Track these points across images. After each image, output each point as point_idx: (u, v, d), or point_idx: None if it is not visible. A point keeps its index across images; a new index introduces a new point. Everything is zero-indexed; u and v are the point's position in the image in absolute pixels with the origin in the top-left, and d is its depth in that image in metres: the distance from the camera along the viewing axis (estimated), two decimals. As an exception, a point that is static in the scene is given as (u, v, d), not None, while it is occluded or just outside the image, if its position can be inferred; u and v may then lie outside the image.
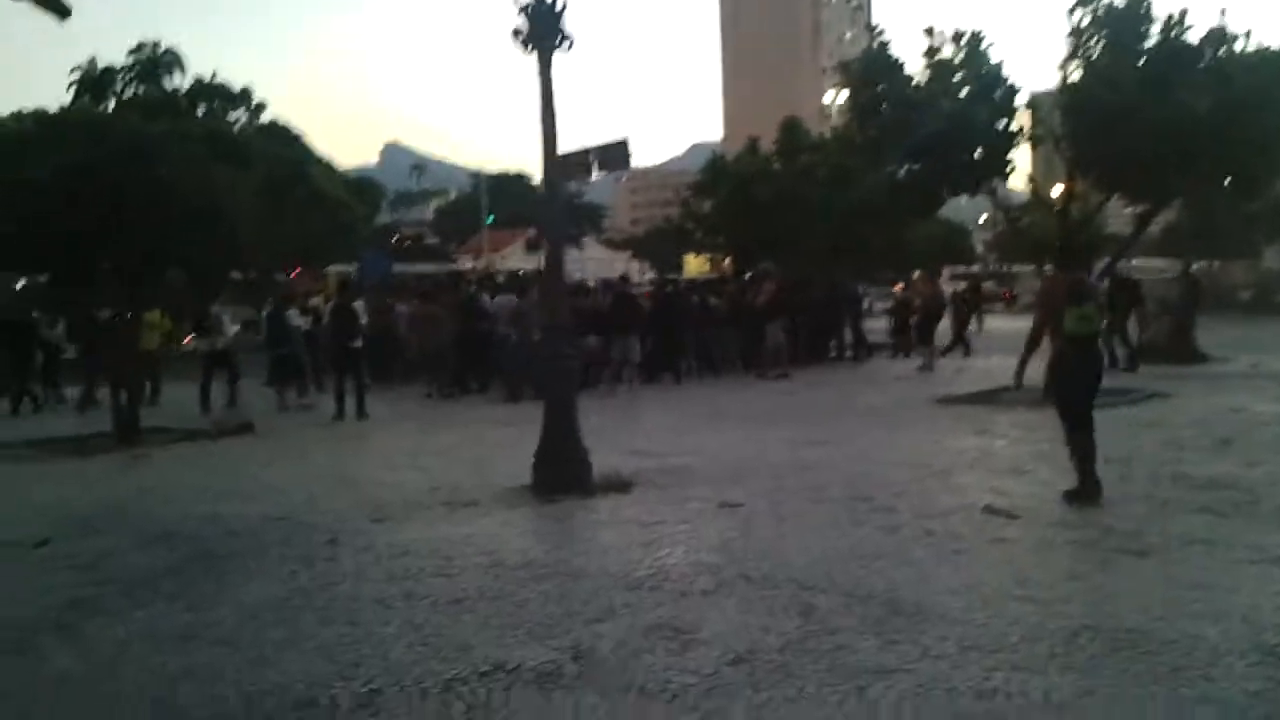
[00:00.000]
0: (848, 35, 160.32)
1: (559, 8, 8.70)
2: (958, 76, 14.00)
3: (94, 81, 35.93)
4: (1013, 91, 14.01)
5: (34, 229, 11.76)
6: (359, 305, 16.70)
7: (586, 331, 19.09)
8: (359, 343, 16.05)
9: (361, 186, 59.83)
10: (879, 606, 5.56)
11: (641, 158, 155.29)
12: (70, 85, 36.27)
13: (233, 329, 18.33)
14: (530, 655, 4.90)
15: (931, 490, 8.75)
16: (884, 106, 14.54)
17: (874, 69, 14.47)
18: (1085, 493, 8.03)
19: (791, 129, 24.08)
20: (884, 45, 14.57)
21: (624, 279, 22.57)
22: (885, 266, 31.08)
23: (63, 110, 12.25)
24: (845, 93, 15.24)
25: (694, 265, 63.53)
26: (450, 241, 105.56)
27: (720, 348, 20.51)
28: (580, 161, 30.76)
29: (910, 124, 14.05)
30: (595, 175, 32.60)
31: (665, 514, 8.02)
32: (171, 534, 7.98)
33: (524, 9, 8.65)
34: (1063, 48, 14.38)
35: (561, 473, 8.90)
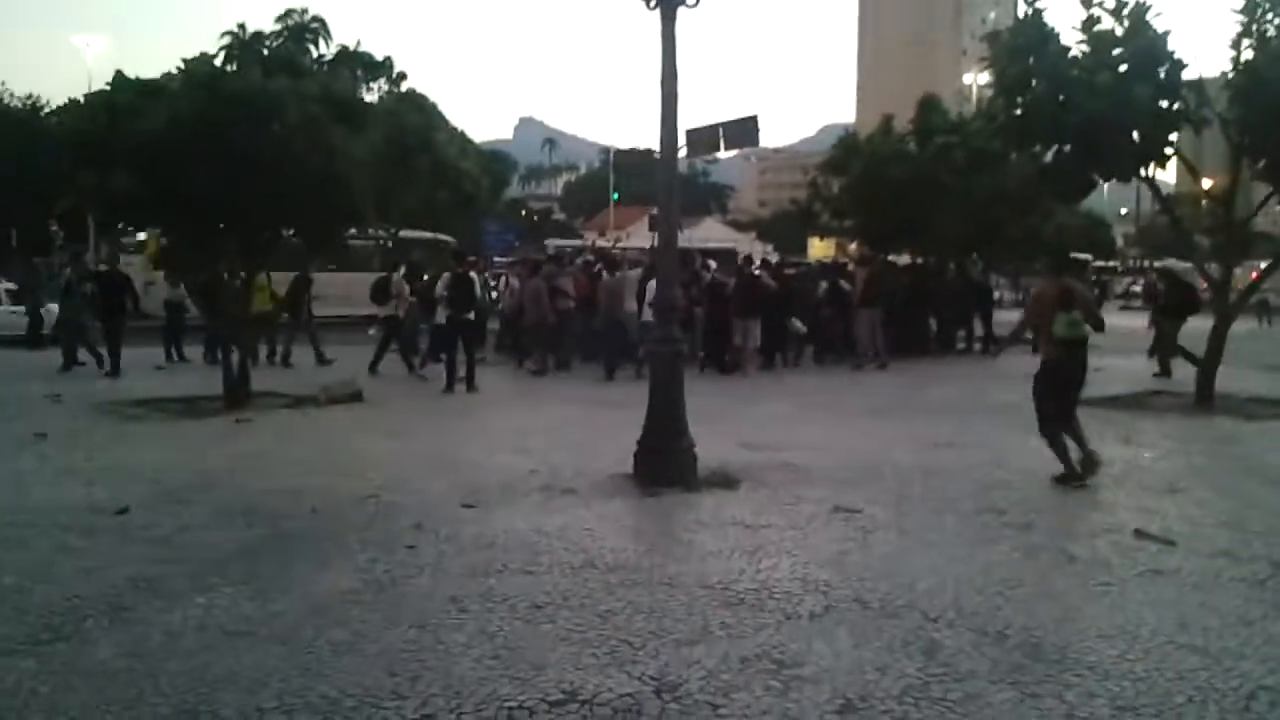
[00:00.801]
0: (991, 16, 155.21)
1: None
2: (1118, 51, 12.84)
3: (243, 46, 36.54)
4: (1179, 68, 12.75)
5: (150, 185, 11.57)
6: (474, 277, 16.29)
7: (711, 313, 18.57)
8: (472, 315, 15.72)
9: (492, 159, 60.25)
10: (1016, 649, 4.80)
11: (772, 138, 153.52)
12: (220, 50, 36.99)
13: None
14: (608, 684, 4.30)
15: (1073, 507, 7.88)
16: (1034, 82, 13.43)
17: (1025, 40, 13.33)
18: (1071, 476, 8.70)
19: (929, 107, 22.86)
20: (1038, 13, 13.42)
21: (747, 260, 21.76)
22: (1020, 257, 29.49)
23: (181, 66, 12.12)
24: (987, 71, 14.08)
25: (819, 249, 62.16)
26: (577, 216, 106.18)
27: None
28: (709, 137, 29.94)
29: (1063, 102, 12.95)
30: (724, 152, 31.68)
31: (773, 517, 7.35)
32: (254, 509, 7.64)
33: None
34: (1233, 24, 13.09)
35: (665, 464, 8.31)
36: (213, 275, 16.84)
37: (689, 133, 36.56)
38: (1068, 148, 13.56)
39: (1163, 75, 12.88)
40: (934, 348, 22.59)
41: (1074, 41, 13.40)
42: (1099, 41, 13.09)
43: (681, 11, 8.23)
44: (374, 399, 14.24)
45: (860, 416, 12.98)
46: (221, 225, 12.82)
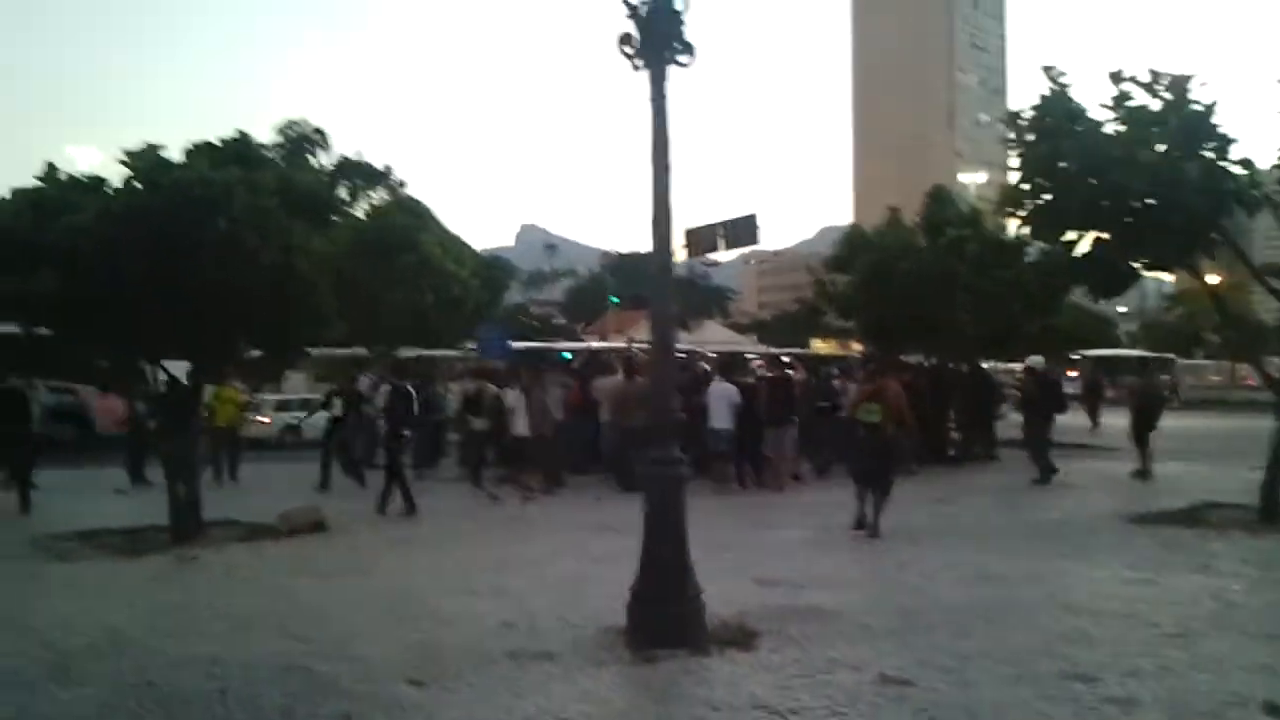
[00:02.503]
0: (984, 118, 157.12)
1: (678, 7, 6.74)
2: (1157, 128, 11.62)
3: (209, 145, 35.92)
4: (1226, 144, 11.53)
5: (76, 287, 10.23)
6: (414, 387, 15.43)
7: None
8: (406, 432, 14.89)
9: (490, 264, 59.49)
10: None
11: (771, 241, 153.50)
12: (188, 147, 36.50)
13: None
14: None
15: (1177, 666, 6.28)
16: (1063, 164, 12.21)
17: (1052, 117, 12.14)
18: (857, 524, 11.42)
19: (939, 199, 21.77)
20: (1063, 89, 12.24)
21: (780, 360, 20.34)
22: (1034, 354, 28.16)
23: (126, 157, 10.99)
24: (1010, 150, 12.83)
25: (822, 348, 61.06)
26: (579, 321, 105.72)
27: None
28: (707, 236, 28.67)
29: (1099, 183, 11.70)
30: (723, 252, 30.30)
31: (803, 693, 5.77)
32: (151, 686, 6.09)
33: (634, 9, 6.69)
34: (1281, 97, 11.92)
35: (664, 617, 6.74)
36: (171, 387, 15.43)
37: (687, 232, 35.64)
38: (1104, 235, 12.30)
39: (1209, 153, 11.63)
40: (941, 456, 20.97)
41: (1105, 119, 12.23)
42: (1135, 118, 11.89)
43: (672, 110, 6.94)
44: (340, 527, 12.70)
45: (890, 540, 11.39)
46: (166, 334, 11.39)
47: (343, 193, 30.00)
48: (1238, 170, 11.58)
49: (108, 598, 9.01)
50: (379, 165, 32.57)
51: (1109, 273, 12.49)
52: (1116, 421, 23.15)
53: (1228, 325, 33.21)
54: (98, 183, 11.49)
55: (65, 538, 11.96)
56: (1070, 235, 12.56)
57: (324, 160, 34.44)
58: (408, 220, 25.20)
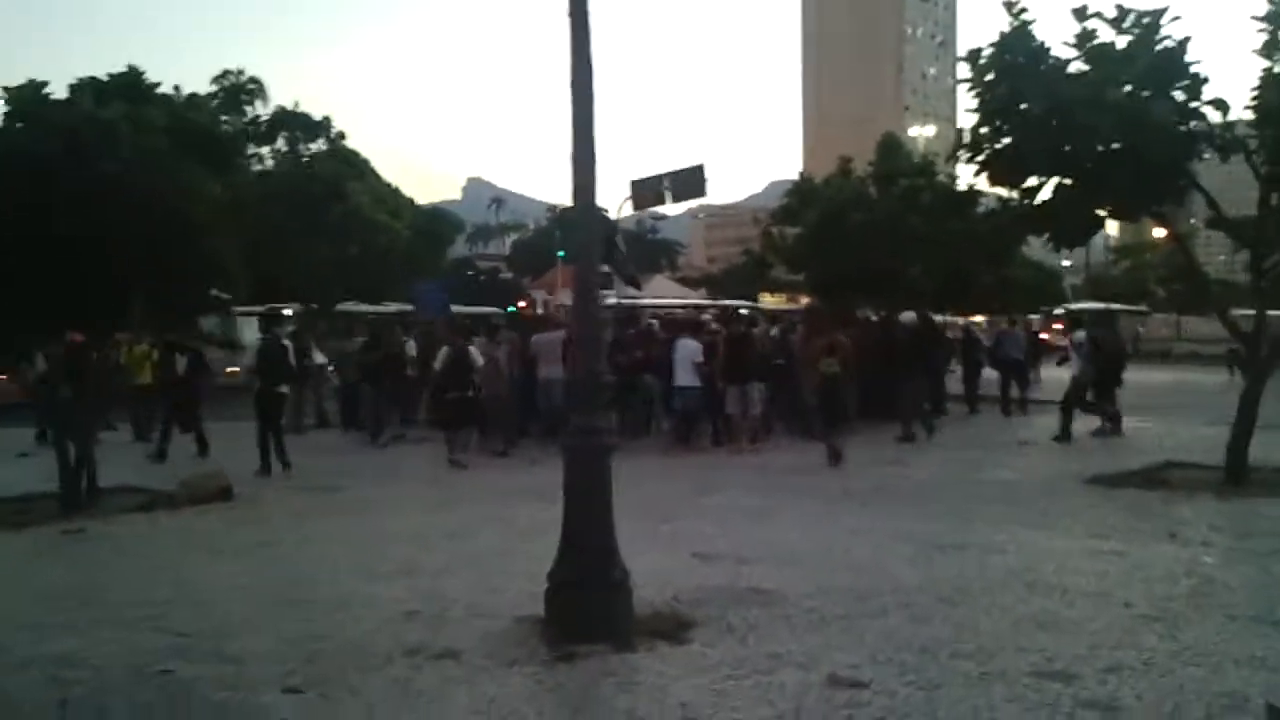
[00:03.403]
0: (932, 71, 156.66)
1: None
2: (1125, 67, 10.86)
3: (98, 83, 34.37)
4: (1199, 84, 10.79)
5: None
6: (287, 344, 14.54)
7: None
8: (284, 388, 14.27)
9: (433, 217, 57.92)
10: None
11: (719, 195, 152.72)
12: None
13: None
14: None
15: (1160, 659, 5.57)
16: (1024, 106, 11.43)
17: (1012, 56, 11.33)
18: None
19: (890, 148, 21.03)
20: (1025, 26, 11.41)
21: (739, 315, 19.49)
22: (990, 309, 27.65)
23: (3, 92, 9.90)
24: (969, 91, 11.97)
25: (771, 302, 60.41)
26: (526, 275, 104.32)
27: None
28: (654, 188, 27.62)
29: (1063, 125, 10.93)
30: (671, 204, 29.03)
31: (739, 697, 4.98)
32: (-18, 695, 5.18)
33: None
34: (1258, 34, 11.17)
35: (586, 607, 5.91)
36: (71, 346, 14.28)
37: (633, 183, 34.58)
38: (1068, 181, 11.54)
39: (1180, 93, 10.88)
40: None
41: (1069, 59, 11.43)
42: (1101, 55, 11.08)
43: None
44: (247, 494, 11.77)
45: (839, 506, 10.66)
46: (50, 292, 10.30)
47: (280, 144, 28.81)
48: (1211, 112, 10.82)
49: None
50: (318, 116, 31.34)
51: (1072, 221, 11.74)
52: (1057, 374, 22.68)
53: (1188, 278, 32.96)
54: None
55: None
56: (1031, 182, 11.75)
57: (261, 110, 33.18)
58: (337, 170, 23.94)
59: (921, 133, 73.12)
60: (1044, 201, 11.57)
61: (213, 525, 10.27)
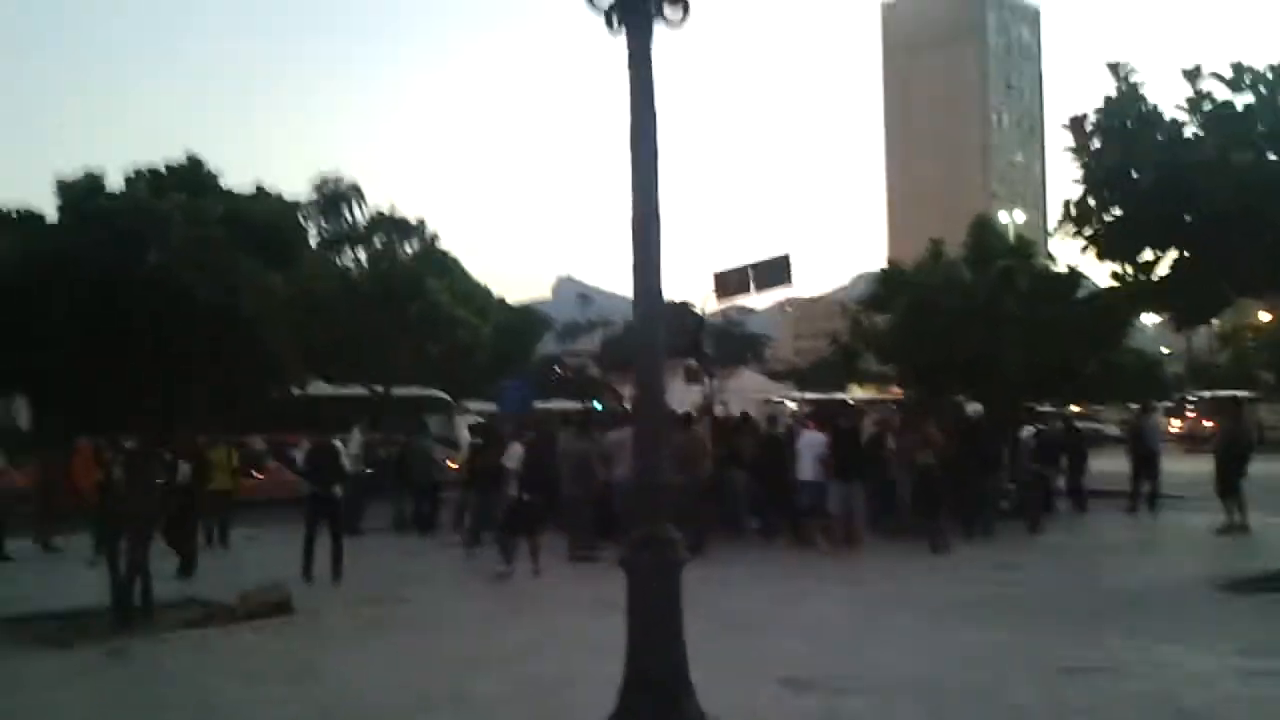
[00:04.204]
0: (1018, 157, 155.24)
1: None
2: (1246, 129, 9.90)
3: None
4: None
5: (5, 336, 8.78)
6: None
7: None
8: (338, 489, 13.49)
9: (522, 315, 58.01)
10: None
11: (806, 288, 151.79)
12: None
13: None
14: None
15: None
16: (1134, 174, 10.50)
17: (1121, 120, 10.44)
18: None
19: (983, 228, 20.06)
20: (1134, 88, 10.55)
21: (847, 405, 18.56)
22: (1095, 398, 26.17)
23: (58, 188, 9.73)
24: (1074, 161, 11.08)
25: (860, 395, 58.99)
26: (612, 371, 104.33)
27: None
28: (738, 278, 26.70)
29: (1180, 196, 9.97)
30: (755, 294, 28.09)
31: None
32: None
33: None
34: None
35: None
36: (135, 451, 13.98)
37: (717, 275, 33.91)
38: (1188, 254, 10.54)
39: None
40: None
41: (1182, 122, 10.53)
42: (1219, 118, 10.17)
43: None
44: (308, 607, 11.08)
45: (945, 620, 9.57)
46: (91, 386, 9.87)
47: (377, 244, 29.27)
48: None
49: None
50: (413, 219, 31.81)
51: (1195, 298, 10.67)
52: (1179, 467, 21.15)
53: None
54: (27, 217, 10.11)
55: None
56: (1146, 255, 10.76)
57: (359, 215, 33.68)
58: (416, 268, 23.91)
59: (1011, 218, 71.75)
60: (1164, 277, 10.54)
61: (264, 643, 9.57)
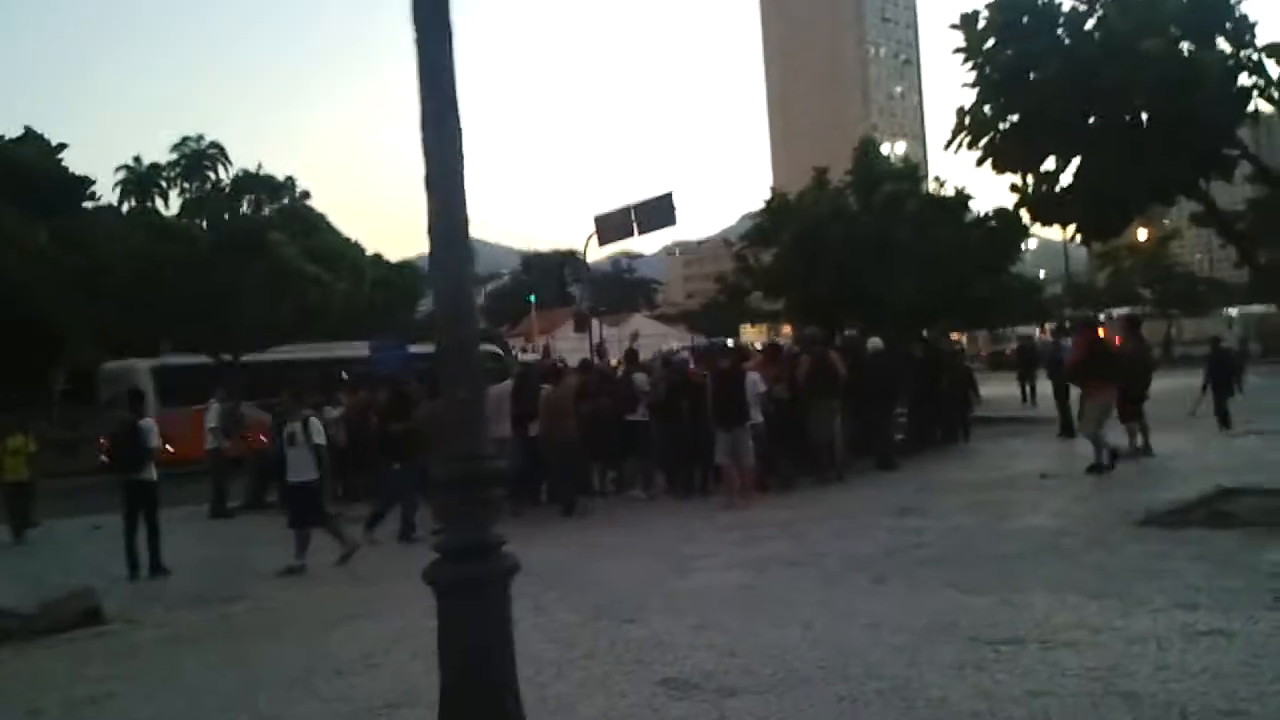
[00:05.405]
0: (898, 90, 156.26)
1: None
2: (1157, 12, 8.88)
3: (139, 178, 33.00)
4: (1248, 30, 8.84)
5: None
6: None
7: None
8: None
9: (397, 271, 55.93)
10: None
11: (692, 230, 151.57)
12: (116, 185, 33.60)
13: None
14: None
15: None
16: (1032, 74, 9.44)
17: (1016, 14, 9.33)
18: None
19: (869, 153, 19.06)
20: (1031, -28, 9.44)
21: (724, 348, 17.38)
22: (989, 322, 25.65)
23: None
24: (963, 62, 9.97)
25: (752, 335, 58.45)
26: (502, 324, 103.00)
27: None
28: (621, 220, 25.54)
29: (1085, 93, 8.93)
30: (639, 235, 26.93)
31: None
32: None
33: None
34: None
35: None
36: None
37: (599, 219, 32.62)
38: (1093, 159, 9.53)
39: (1225, 42, 8.91)
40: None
41: (1082, 13, 9.47)
42: (1125, 5, 9.12)
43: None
44: (125, 612, 9.56)
45: (848, 583, 8.50)
46: None
47: (245, 207, 27.44)
48: (1270, 64, 8.83)
49: None
50: (280, 177, 30.13)
51: (1103, 206, 9.68)
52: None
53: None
54: None
55: None
56: (1049, 165, 9.73)
57: (224, 175, 31.61)
58: (260, 222, 22.16)
59: (894, 149, 71.65)
60: (1067, 186, 9.52)
61: (54, 665, 8.04)
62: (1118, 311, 36.17)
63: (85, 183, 29.88)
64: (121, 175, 36.23)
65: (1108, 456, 13.29)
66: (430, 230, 3.88)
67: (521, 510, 13.33)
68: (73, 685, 7.36)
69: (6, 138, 15.55)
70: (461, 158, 3.97)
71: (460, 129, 4.01)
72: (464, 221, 3.96)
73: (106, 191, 34.68)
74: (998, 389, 26.18)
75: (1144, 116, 8.98)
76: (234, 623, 9.23)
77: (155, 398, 19.75)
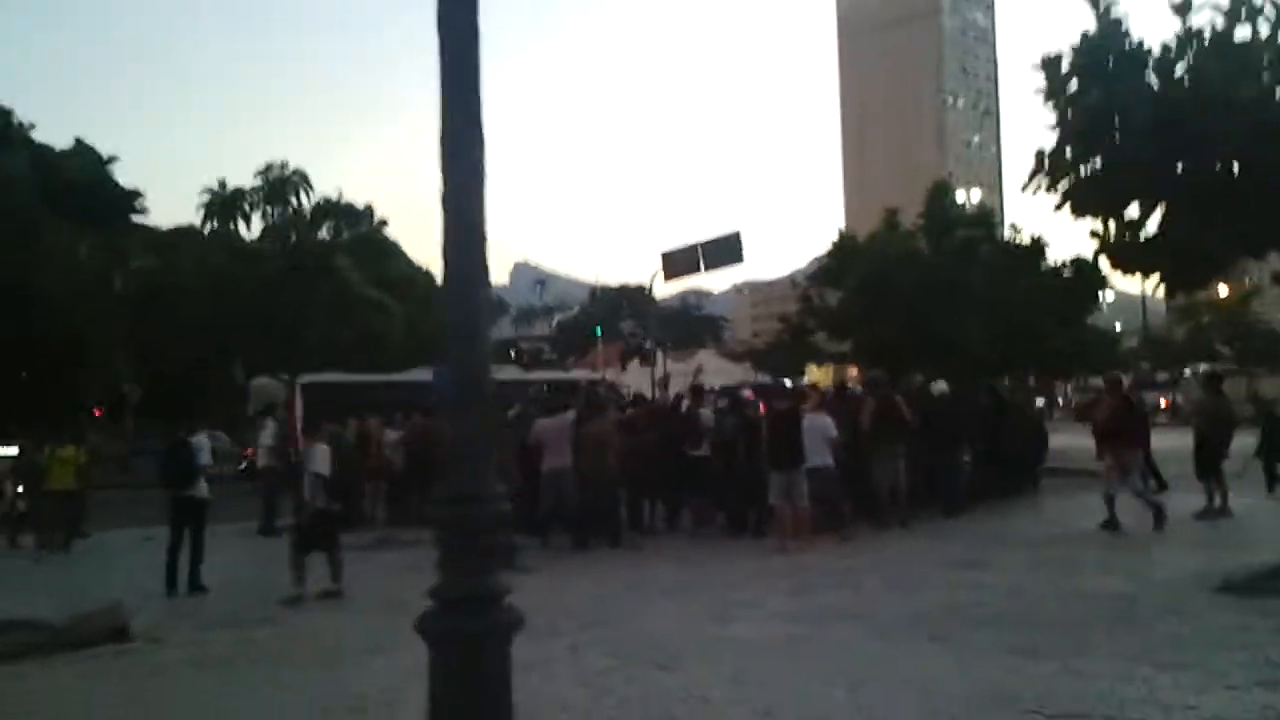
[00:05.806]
0: (975, 139, 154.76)
1: None
2: (1254, 62, 8.37)
3: (223, 202, 33.96)
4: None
5: None
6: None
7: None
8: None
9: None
10: None
11: (762, 270, 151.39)
12: (200, 206, 34.79)
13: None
14: None
15: None
16: (1117, 119, 8.97)
17: (1102, 58, 8.87)
18: None
19: (940, 196, 18.57)
20: (1115, 23, 8.99)
21: (783, 388, 16.93)
22: (1064, 374, 24.86)
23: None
24: (1047, 104, 9.53)
25: (817, 376, 57.73)
26: (569, 355, 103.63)
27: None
28: (688, 257, 25.27)
29: (1174, 140, 8.43)
30: (705, 273, 26.75)
31: None
32: None
33: None
34: None
35: None
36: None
37: (665, 255, 32.36)
38: (1180, 208, 9.01)
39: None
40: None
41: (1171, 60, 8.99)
42: (1220, 51, 8.62)
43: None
44: (150, 632, 9.38)
45: (900, 641, 8.01)
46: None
47: (323, 232, 27.94)
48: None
49: None
50: (359, 205, 30.56)
51: (1190, 256, 9.12)
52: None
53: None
54: None
55: None
56: (1133, 212, 9.22)
57: (305, 201, 32.22)
58: (325, 246, 22.35)
59: (968, 198, 70.68)
60: (1153, 235, 9.00)
61: (73, 686, 7.86)
62: (1202, 367, 34.92)
63: (134, 195, 30.54)
64: (205, 198, 37.51)
65: (1155, 516, 12.82)
66: (444, 250, 3.58)
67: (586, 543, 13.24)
68: (81, 712, 7.16)
69: (56, 149, 15.90)
70: (483, 176, 3.68)
71: (483, 148, 3.72)
72: (482, 242, 3.65)
73: (190, 212, 35.89)
74: (1071, 440, 25.39)
75: (1235, 165, 8.44)
76: (260, 648, 8.97)
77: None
